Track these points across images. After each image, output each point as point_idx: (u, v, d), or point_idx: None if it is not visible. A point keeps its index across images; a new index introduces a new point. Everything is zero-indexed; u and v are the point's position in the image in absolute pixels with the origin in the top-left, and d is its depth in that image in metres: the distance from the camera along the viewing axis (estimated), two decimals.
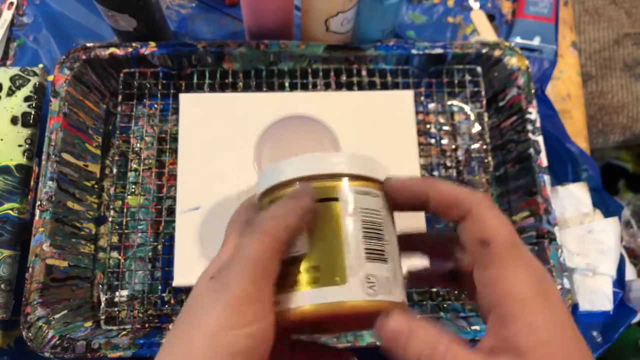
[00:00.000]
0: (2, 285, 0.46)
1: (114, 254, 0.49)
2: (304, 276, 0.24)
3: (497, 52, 0.52)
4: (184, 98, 0.49)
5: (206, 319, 0.21)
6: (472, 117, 0.56)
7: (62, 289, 0.46)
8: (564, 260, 0.46)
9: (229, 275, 0.22)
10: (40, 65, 0.55)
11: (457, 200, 0.24)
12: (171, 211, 0.50)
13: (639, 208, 0.92)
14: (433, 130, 0.55)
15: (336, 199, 0.26)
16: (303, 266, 0.24)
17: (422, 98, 0.56)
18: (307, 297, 0.24)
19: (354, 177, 0.26)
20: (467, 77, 0.54)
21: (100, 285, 0.49)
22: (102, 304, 0.47)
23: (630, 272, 0.55)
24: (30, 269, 0.44)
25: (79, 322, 0.45)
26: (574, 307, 0.50)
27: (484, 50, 0.53)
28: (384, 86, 0.54)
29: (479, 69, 0.54)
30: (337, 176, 0.26)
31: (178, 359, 0.21)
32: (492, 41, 0.53)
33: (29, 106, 0.51)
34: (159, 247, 0.50)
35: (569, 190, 0.53)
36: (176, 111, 0.52)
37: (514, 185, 0.52)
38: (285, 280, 0.24)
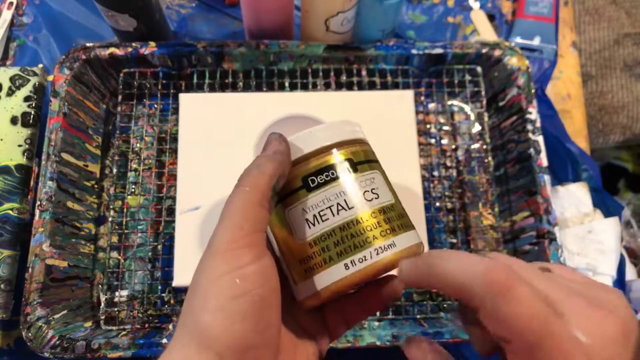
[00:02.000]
0: (2, 285, 0.46)
1: (114, 254, 0.49)
2: (398, 222, 0.26)
3: (497, 52, 0.52)
4: (184, 98, 0.49)
5: (205, 270, 0.22)
6: (472, 117, 0.56)
7: (62, 289, 0.46)
8: (564, 260, 0.46)
9: (218, 230, 0.23)
10: (40, 65, 0.55)
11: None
12: (171, 211, 0.50)
13: (639, 208, 0.92)
14: (433, 130, 0.55)
15: (377, 161, 0.28)
16: (395, 212, 0.26)
17: (422, 98, 0.56)
18: (410, 238, 0.26)
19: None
20: (467, 77, 0.54)
21: (100, 286, 0.49)
22: (102, 304, 0.47)
23: (630, 272, 0.55)
24: (30, 269, 0.44)
25: (78, 322, 0.45)
26: None
27: (484, 50, 0.53)
28: (384, 86, 0.54)
29: (479, 69, 0.54)
30: (362, 142, 0.28)
31: (193, 308, 0.22)
32: (492, 41, 0.53)
33: (28, 106, 0.51)
34: (159, 247, 0.50)
35: (569, 190, 0.53)
36: (176, 111, 0.52)
37: (514, 185, 0.52)
38: (385, 226, 0.25)
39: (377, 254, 0.25)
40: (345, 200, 0.25)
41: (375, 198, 0.26)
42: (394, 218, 0.26)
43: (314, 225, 0.25)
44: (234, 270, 0.22)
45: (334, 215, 0.25)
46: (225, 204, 0.24)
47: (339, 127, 0.27)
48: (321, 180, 0.26)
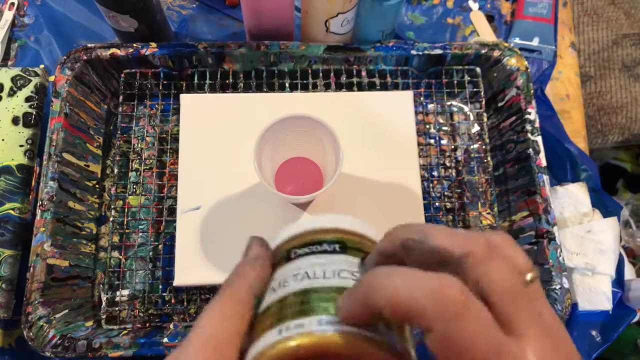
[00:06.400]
0: (4, 285, 0.47)
1: (115, 254, 0.49)
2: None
3: (496, 53, 0.53)
4: (185, 98, 0.50)
5: None
6: (472, 118, 0.57)
7: (63, 289, 0.46)
8: (563, 259, 0.46)
9: (190, 341, 0.20)
10: (42, 66, 0.55)
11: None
12: (172, 211, 0.50)
13: (637, 208, 0.92)
14: (432, 130, 0.56)
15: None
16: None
17: (422, 98, 0.56)
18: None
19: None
20: (467, 78, 0.54)
21: (101, 285, 0.49)
22: (103, 304, 0.48)
23: (629, 272, 0.55)
24: (31, 269, 0.44)
25: (79, 321, 0.45)
26: (573, 306, 0.51)
27: (483, 51, 0.53)
28: (384, 87, 0.55)
29: (478, 69, 0.54)
30: (367, 238, 0.25)
31: None
32: (492, 42, 0.53)
33: (30, 106, 0.51)
34: (160, 246, 0.50)
35: (568, 190, 0.53)
36: (177, 111, 0.52)
37: (513, 185, 0.52)
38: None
39: (320, 324, 0.19)
40: (314, 271, 0.21)
41: (353, 279, 0.21)
42: None
43: (274, 292, 0.22)
44: None
45: (295, 281, 0.21)
46: (202, 313, 0.21)
47: (347, 218, 0.24)
48: (302, 252, 0.23)
